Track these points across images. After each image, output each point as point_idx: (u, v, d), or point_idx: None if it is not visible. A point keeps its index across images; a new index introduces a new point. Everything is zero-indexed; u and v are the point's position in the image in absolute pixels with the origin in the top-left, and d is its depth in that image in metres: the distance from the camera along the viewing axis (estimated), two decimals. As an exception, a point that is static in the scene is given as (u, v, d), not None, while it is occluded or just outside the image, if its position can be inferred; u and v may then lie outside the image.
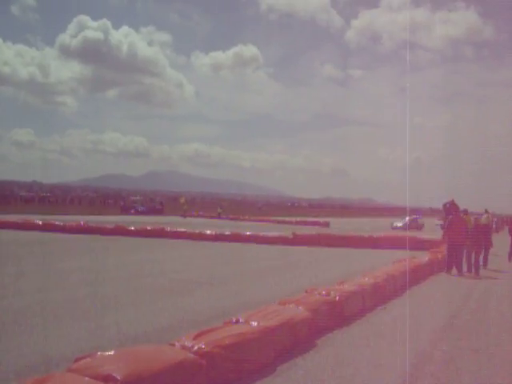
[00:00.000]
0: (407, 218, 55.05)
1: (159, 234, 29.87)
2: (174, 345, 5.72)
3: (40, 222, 32.87)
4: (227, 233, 30.24)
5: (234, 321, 6.93)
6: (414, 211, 67.37)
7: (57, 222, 33.15)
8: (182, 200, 78.33)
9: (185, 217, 64.76)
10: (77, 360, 4.96)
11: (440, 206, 19.07)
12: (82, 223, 33.00)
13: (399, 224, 53.70)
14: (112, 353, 5.10)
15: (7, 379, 4.80)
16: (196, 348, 5.59)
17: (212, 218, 68.13)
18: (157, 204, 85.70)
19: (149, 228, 31.54)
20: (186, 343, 5.70)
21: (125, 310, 9.74)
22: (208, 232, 30.38)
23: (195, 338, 5.87)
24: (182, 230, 31.15)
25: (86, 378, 4.45)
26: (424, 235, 30.83)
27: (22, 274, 13.63)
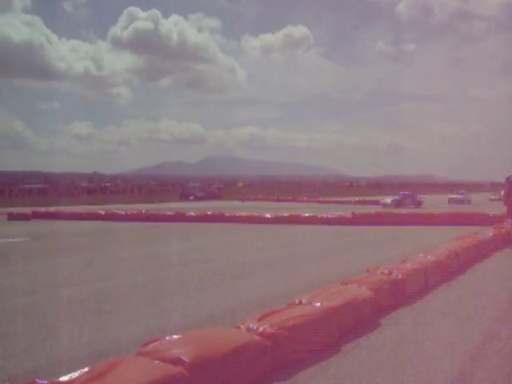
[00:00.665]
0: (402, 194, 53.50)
1: (219, 218, 30.19)
2: (239, 327, 5.82)
3: (103, 212, 33.70)
4: (286, 215, 30.31)
5: (298, 302, 6.98)
6: (460, 186, 66.04)
7: (119, 211, 33.95)
8: (240, 184, 78.93)
9: (243, 201, 65.22)
10: (145, 344, 5.10)
11: (503, 180, 18.48)
12: (143, 211, 33.73)
13: (388, 201, 51.89)
14: (179, 336, 5.22)
15: (82, 362, 4.98)
16: (261, 330, 5.67)
17: (270, 200, 68.36)
18: (215, 189, 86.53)
19: (208, 213, 31.91)
20: (251, 325, 5.78)
21: (189, 294, 9.94)
22: (267, 215, 30.52)
23: (259, 319, 5.95)
24: (241, 214, 31.38)
25: (155, 362, 4.58)
26: (490, 211, 30.09)
27: (88, 263, 14.08)
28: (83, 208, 39.02)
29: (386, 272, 9.28)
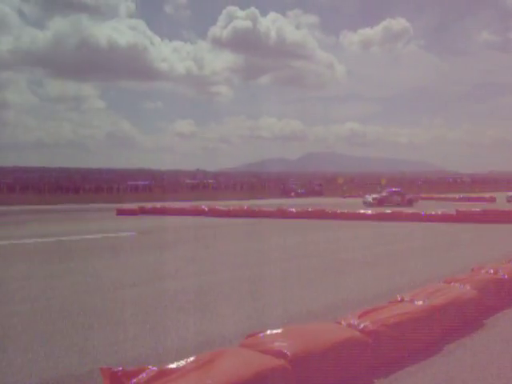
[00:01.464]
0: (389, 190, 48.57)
1: (320, 215, 30.13)
2: (339, 323, 5.88)
3: (206, 208, 34.51)
4: (388, 211, 29.87)
5: (399, 299, 6.95)
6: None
7: (221, 207, 34.66)
8: (341, 181, 78.34)
9: (344, 197, 64.78)
10: (248, 336, 5.27)
11: None
12: (245, 207, 34.25)
13: (370, 198, 45.69)
14: (281, 330, 5.36)
15: (187, 352, 5.20)
16: (362, 326, 5.70)
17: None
18: (316, 186, 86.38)
19: (309, 210, 31.94)
20: (352, 321, 5.82)
21: (290, 289, 10.07)
22: (369, 212, 30.20)
23: (360, 316, 5.99)
24: (343, 210, 31.20)
25: (258, 354, 4.73)
26: None
27: (193, 257, 14.56)
28: (187, 204, 40.11)
29: (492, 271, 9.01)
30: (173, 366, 4.33)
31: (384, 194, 47.36)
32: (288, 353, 4.76)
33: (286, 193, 75.89)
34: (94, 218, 32.23)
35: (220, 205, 37.78)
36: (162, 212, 34.85)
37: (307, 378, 4.80)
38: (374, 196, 46.49)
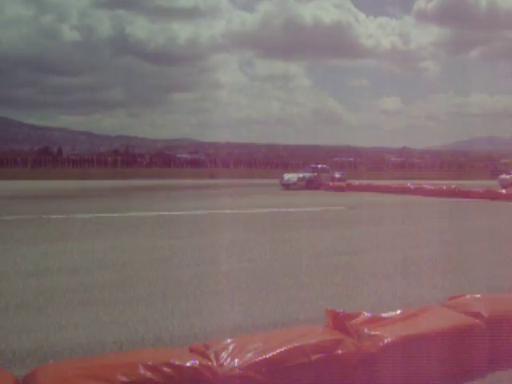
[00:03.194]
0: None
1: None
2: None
3: (412, 186, 34.69)
4: None
5: None
6: None
7: (428, 186, 34.53)
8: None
9: None
10: (450, 298, 6.00)
11: None
12: (452, 187, 33.80)
13: (287, 178, 38.76)
14: (480, 296, 6.00)
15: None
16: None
17: None
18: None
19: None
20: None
21: (496, 266, 10.35)
22: None
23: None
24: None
25: (457, 312, 5.46)
26: None
27: (399, 232, 15.27)
28: (392, 182, 40.54)
29: None
30: (383, 315, 5.23)
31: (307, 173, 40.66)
32: (484, 315, 5.41)
33: (496, 174, 72.33)
34: (304, 193, 34.13)
35: (426, 184, 37.63)
36: (368, 189, 35.75)
37: (500, 339, 5.42)
38: (300, 176, 39.57)
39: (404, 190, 33.93)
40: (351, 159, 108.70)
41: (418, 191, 33.03)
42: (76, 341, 5.74)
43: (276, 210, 21.59)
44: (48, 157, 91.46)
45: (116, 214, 19.34)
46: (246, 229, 15.60)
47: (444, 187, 33.85)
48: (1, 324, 6.36)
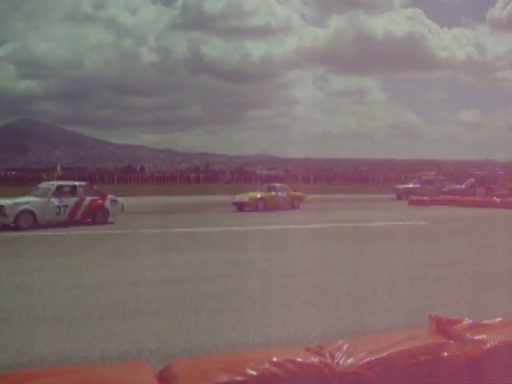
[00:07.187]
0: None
1: None
2: None
3: (498, 200, 33.88)
4: None
5: None
6: None
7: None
8: None
9: None
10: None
11: None
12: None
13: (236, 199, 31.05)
14: None
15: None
16: None
17: None
18: None
19: None
20: None
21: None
22: None
23: None
24: None
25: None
26: None
27: (485, 245, 15.22)
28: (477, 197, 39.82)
29: None
30: (484, 322, 5.48)
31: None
32: None
33: None
34: (386, 207, 34.04)
35: (512, 196, 36.65)
36: (451, 202, 35.21)
37: None
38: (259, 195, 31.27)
39: (490, 204, 33.17)
40: (432, 172, 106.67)
41: (504, 204, 32.16)
42: (191, 345, 6.25)
43: (355, 224, 21.81)
44: (133, 174, 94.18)
45: (207, 229, 20.03)
46: (336, 242, 16.08)
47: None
48: (125, 328, 6.97)
